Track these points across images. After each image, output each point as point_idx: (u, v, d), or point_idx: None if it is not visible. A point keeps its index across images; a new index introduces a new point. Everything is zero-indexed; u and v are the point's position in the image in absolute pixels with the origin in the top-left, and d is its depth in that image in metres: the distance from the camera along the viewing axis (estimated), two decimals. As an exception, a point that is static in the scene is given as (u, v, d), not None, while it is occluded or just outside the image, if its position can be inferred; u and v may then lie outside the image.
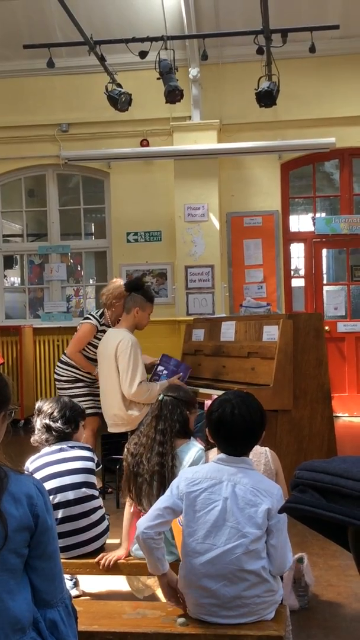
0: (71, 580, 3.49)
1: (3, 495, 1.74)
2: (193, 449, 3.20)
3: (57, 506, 3.18)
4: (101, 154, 8.97)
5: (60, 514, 3.19)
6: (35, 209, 10.18)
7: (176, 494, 2.59)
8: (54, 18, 8.36)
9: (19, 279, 10.87)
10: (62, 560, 1.90)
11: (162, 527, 2.59)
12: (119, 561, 3.15)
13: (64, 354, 5.72)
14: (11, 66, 9.06)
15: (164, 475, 3.06)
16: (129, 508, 3.26)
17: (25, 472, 1.86)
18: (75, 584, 3.55)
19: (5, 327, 9.06)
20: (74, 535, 3.23)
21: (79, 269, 10.10)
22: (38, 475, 3.18)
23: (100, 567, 3.15)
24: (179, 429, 3.20)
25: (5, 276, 10.24)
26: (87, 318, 5.65)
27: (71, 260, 9.92)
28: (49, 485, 3.16)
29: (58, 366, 5.71)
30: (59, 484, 3.24)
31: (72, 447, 3.39)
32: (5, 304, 9.88)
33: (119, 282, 5.66)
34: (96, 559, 3.16)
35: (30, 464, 3.32)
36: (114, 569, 3.15)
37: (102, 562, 3.15)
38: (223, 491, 2.52)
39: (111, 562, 3.14)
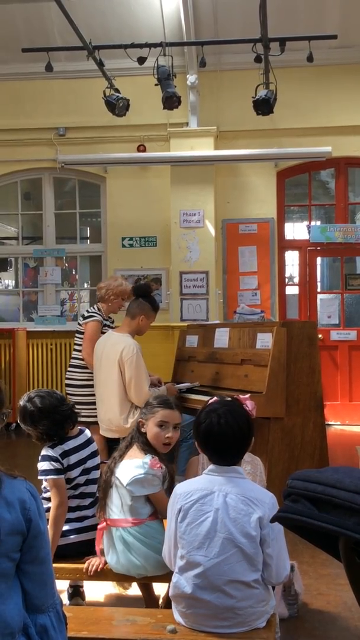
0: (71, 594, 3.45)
1: (-5, 500, 1.74)
2: (132, 470, 3.10)
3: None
4: (98, 158, 8.98)
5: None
6: (30, 212, 10.17)
7: (174, 512, 2.58)
8: (53, 22, 8.39)
9: (14, 281, 10.85)
10: (53, 565, 1.90)
11: None
12: (106, 567, 3.12)
13: (74, 357, 5.69)
14: (9, 69, 9.07)
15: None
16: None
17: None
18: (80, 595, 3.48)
19: (-2, 330, 9.05)
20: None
21: (73, 272, 10.11)
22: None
23: (89, 574, 3.10)
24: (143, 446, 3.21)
25: (-1, 278, 10.24)
26: (92, 315, 5.64)
27: (66, 264, 9.92)
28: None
29: (70, 371, 5.69)
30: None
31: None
32: (-1, 306, 9.86)
33: (120, 280, 5.79)
34: (84, 567, 3.12)
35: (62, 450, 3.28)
36: (100, 574, 3.12)
37: (89, 569, 3.11)
38: (214, 502, 2.49)
39: (98, 568, 3.10)
